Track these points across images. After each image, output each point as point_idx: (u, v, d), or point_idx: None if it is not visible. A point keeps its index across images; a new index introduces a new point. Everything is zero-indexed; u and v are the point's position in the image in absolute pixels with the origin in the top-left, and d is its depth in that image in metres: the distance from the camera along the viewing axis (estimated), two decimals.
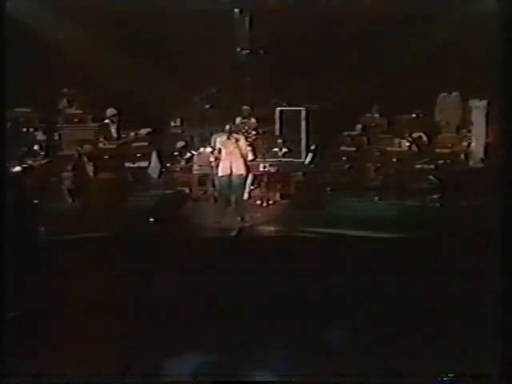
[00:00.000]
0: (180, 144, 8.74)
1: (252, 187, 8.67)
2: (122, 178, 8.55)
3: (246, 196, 8.62)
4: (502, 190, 6.08)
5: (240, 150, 8.46)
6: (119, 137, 8.55)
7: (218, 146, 8.54)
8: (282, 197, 8.76)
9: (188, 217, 8.51)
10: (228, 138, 8.42)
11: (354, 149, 8.93)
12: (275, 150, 8.84)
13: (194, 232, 8.19)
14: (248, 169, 8.55)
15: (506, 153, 6.17)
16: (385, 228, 7.85)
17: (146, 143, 8.68)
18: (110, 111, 8.50)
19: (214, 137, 8.65)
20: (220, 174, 8.49)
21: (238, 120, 8.92)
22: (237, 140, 8.51)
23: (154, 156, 8.61)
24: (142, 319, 5.88)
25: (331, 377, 4.85)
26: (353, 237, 7.82)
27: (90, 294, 6.50)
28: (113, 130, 8.57)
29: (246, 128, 8.83)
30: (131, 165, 8.57)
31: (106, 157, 8.51)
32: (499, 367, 5.09)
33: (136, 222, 8.05)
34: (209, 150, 8.58)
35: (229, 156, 8.42)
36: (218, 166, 8.52)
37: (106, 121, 8.50)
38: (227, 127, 8.49)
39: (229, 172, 8.41)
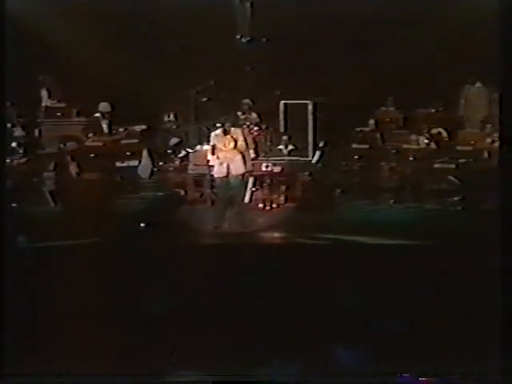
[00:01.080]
0: (174, 141, 8.33)
1: (253, 189, 8.25)
2: (109, 179, 8.16)
3: (246, 199, 8.23)
4: None
5: (240, 148, 8.13)
6: (110, 133, 8.22)
7: (213, 143, 8.13)
8: (286, 199, 8.33)
9: (183, 221, 8.16)
10: (225, 134, 8.06)
11: (366, 146, 8.46)
12: (279, 147, 8.41)
13: (189, 238, 7.91)
14: (249, 169, 8.18)
15: None
16: (400, 234, 7.64)
17: (135, 140, 8.24)
18: (104, 106, 8.22)
19: (211, 133, 8.25)
20: (217, 175, 8.12)
21: (237, 114, 8.41)
22: (236, 136, 8.15)
23: (144, 154, 8.21)
24: (130, 339, 6.06)
25: (331, 377, 5.23)
26: (365, 244, 7.62)
27: (72, 307, 6.63)
28: (104, 125, 8.25)
29: (247, 123, 8.35)
30: (120, 164, 8.13)
31: (92, 155, 8.12)
32: None
33: (125, 227, 7.78)
34: (206, 147, 8.20)
35: (227, 154, 8.07)
36: (215, 165, 8.16)
37: (97, 115, 8.18)
38: (225, 122, 8.10)
39: (227, 172, 8.07)
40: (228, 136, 8.04)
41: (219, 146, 8.01)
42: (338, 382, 5.58)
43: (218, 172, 8.04)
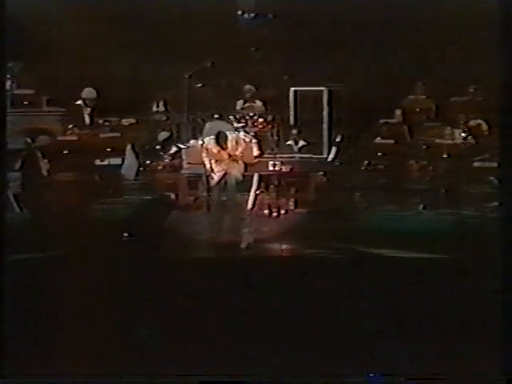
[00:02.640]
0: (163, 135, 8.02)
1: (258, 192, 7.94)
2: (86, 180, 7.91)
3: (249, 204, 7.95)
4: None
5: (242, 144, 7.80)
6: (92, 124, 7.94)
7: (209, 138, 7.77)
8: (296, 204, 8.02)
9: (174, 230, 7.95)
10: (219, 139, 7.69)
11: (391, 141, 8.13)
12: (288, 143, 8.06)
13: (181, 250, 7.74)
14: (252, 168, 7.84)
15: None
16: (432, 246, 7.40)
17: (117, 134, 7.97)
18: (88, 93, 7.91)
19: (207, 125, 7.87)
20: (216, 178, 7.82)
21: (238, 104, 8.08)
22: (237, 130, 7.74)
23: (128, 151, 7.92)
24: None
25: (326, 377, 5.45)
26: (389, 258, 7.42)
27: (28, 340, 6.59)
28: (86, 115, 7.98)
29: (250, 114, 8.00)
30: (99, 162, 7.90)
31: (66, 152, 7.86)
32: None
33: (105, 238, 7.63)
34: (201, 142, 7.84)
35: (226, 151, 7.73)
36: (211, 164, 7.85)
37: (79, 102, 7.89)
38: (223, 112, 7.64)
39: (225, 172, 7.76)
40: (224, 147, 7.63)
41: (216, 157, 7.63)
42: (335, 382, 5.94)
43: (218, 171, 7.70)
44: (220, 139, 7.67)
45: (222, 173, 7.65)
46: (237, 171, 7.61)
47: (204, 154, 7.68)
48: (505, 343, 6.81)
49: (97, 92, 7.99)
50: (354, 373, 6.58)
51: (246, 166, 7.70)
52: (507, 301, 6.88)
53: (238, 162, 7.62)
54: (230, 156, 7.64)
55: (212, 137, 7.59)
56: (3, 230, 7.26)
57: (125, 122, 8.15)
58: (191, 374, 5.95)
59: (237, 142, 7.59)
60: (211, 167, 7.65)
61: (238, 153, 7.56)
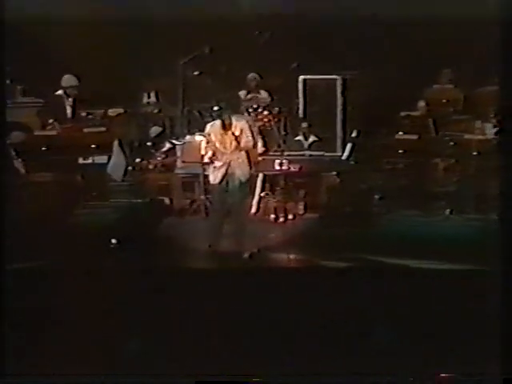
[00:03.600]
0: (155, 130, 8.22)
1: (262, 194, 8.06)
2: (67, 181, 8.04)
3: (253, 208, 8.00)
4: None
5: (244, 139, 7.49)
6: (74, 117, 8.14)
7: (213, 122, 7.61)
8: (306, 208, 8.19)
9: (167, 238, 7.81)
10: (225, 129, 7.47)
11: (414, 137, 8.43)
12: (297, 138, 8.30)
13: (175, 260, 7.43)
14: (256, 167, 7.75)
15: None
16: (460, 256, 7.15)
17: (103, 128, 8.12)
18: (68, 80, 7.99)
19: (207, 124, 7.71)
20: (215, 179, 7.62)
21: (241, 94, 8.34)
22: (239, 130, 7.51)
23: (115, 148, 8.00)
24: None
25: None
26: (411, 268, 7.14)
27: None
28: (68, 107, 8.15)
29: (254, 106, 8.23)
30: (83, 161, 8.08)
31: (44, 148, 7.91)
32: None
33: (91, 246, 7.35)
34: (198, 137, 7.70)
35: (227, 148, 7.46)
36: (209, 172, 7.94)
37: (59, 92, 8.07)
38: (222, 110, 7.55)
39: (226, 172, 7.54)
40: (229, 132, 7.43)
41: (219, 147, 7.44)
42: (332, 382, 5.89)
43: (217, 172, 7.45)
44: (225, 123, 7.50)
45: (224, 168, 7.40)
46: (240, 168, 7.45)
47: (205, 144, 7.51)
48: None
49: (78, 79, 7.97)
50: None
51: (250, 161, 7.62)
52: None
53: (240, 153, 7.44)
54: (233, 146, 7.46)
55: (217, 121, 7.42)
56: None
57: (111, 113, 8.14)
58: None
59: (242, 132, 7.40)
60: (211, 160, 7.49)
61: (242, 143, 7.39)
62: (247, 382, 6.06)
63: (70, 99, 8.03)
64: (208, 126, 7.52)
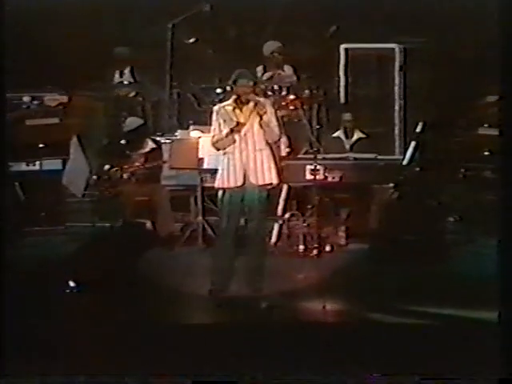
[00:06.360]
0: (131, 122, 7.28)
1: (287, 215, 7.04)
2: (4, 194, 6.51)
3: (274, 235, 6.94)
4: None
5: (268, 128, 6.26)
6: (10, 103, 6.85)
7: (216, 124, 6.42)
8: (349, 236, 7.17)
9: (148, 280, 6.89)
10: (235, 109, 6.19)
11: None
12: (336, 134, 7.42)
13: (161, 314, 6.52)
14: (279, 175, 6.40)
15: None
16: None
17: (55, 120, 7.08)
18: None
19: (213, 107, 6.57)
20: (220, 185, 6.40)
21: (257, 71, 7.38)
22: (262, 102, 6.32)
23: (73, 148, 7.00)
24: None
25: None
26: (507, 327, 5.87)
27: None
28: None
29: (275, 87, 7.34)
30: (24, 167, 7.18)
31: None
32: None
33: (40, 289, 6.53)
34: (194, 133, 6.82)
35: (239, 146, 6.22)
36: (215, 168, 6.63)
37: None
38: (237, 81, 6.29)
39: (241, 181, 6.31)
40: (242, 112, 6.29)
41: (227, 128, 6.34)
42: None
43: (226, 178, 6.33)
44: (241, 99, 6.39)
45: (240, 163, 6.43)
46: (260, 169, 6.44)
47: (215, 117, 6.51)
48: None
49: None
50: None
51: (276, 159, 6.60)
52: None
53: (262, 144, 6.25)
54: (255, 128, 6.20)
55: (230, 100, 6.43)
56: None
57: (65, 99, 7.15)
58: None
59: (265, 114, 6.21)
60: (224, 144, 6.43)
61: (266, 134, 6.27)
62: (245, 382, 5.80)
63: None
64: (214, 109, 6.49)
